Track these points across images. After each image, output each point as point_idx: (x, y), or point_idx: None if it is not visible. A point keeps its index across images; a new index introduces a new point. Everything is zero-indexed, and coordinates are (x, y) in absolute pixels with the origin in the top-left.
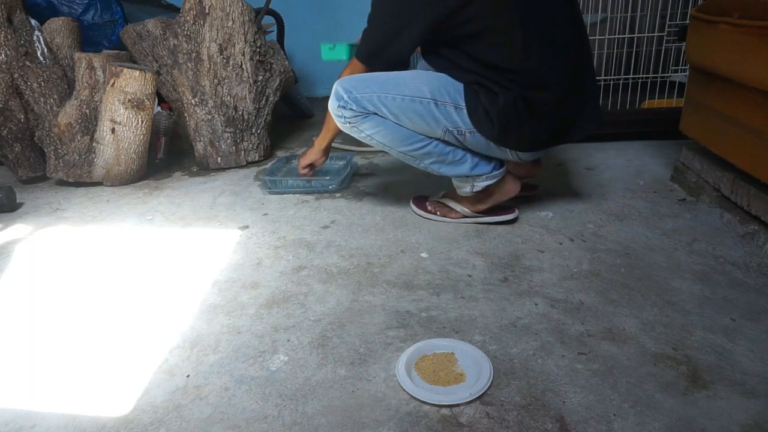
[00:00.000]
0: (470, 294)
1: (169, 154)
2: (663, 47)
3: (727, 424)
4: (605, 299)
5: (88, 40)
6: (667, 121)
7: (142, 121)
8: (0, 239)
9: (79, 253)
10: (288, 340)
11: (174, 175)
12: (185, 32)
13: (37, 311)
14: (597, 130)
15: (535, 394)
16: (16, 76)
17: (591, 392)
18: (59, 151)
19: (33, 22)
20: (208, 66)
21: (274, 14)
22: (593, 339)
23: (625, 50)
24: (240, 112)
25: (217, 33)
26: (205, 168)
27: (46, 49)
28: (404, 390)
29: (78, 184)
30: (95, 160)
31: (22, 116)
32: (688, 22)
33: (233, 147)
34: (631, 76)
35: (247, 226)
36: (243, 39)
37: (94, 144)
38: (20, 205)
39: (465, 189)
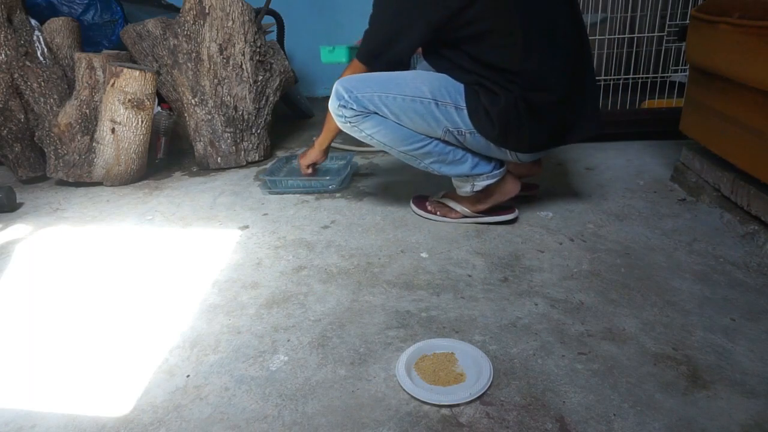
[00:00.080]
0: (470, 294)
1: (169, 154)
2: (663, 47)
3: (727, 424)
4: (605, 299)
5: (88, 40)
6: (667, 121)
7: (142, 121)
8: (0, 239)
9: (79, 253)
10: (288, 340)
11: (174, 175)
12: (185, 32)
13: (37, 311)
14: (596, 131)
15: (535, 394)
16: (16, 76)
17: (591, 392)
18: (59, 151)
19: (33, 22)
20: (208, 66)
21: (274, 14)
22: (593, 339)
23: (625, 50)
24: (240, 112)
25: (217, 33)
26: (205, 168)
27: (46, 49)
28: (404, 390)
29: (78, 184)
30: (95, 160)
31: (22, 116)
32: (688, 22)
33: (233, 147)
34: (631, 76)
35: (247, 226)
36: (243, 39)
37: (94, 144)
38: (20, 205)
39: (465, 189)
